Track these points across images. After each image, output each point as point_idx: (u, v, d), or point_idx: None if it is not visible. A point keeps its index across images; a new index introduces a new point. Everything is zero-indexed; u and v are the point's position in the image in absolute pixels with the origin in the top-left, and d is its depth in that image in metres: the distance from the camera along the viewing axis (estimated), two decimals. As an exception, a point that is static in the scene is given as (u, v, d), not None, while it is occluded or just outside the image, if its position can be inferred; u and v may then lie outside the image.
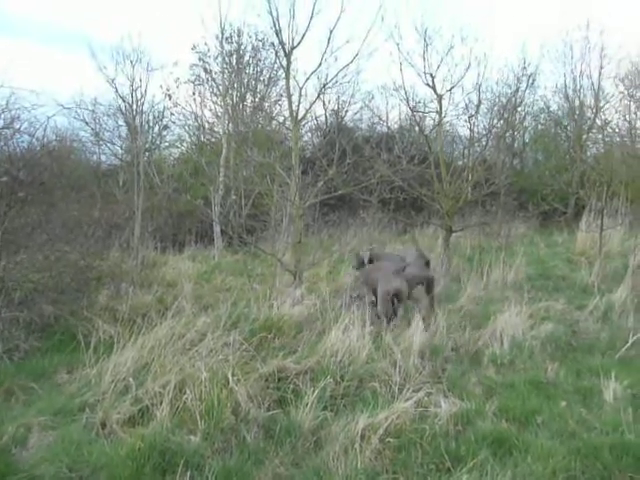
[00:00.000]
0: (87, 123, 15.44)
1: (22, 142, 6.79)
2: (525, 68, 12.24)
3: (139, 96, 13.52)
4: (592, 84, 17.27)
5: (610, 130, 17.12)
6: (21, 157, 6.60)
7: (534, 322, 5.79)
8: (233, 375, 3.82)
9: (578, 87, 17.57)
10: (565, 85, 17.76)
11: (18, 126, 6.53)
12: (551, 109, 18.36)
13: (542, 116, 18.56)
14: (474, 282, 7.88)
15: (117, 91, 13.95)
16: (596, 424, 3.62)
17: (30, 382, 4.39)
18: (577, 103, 17.65)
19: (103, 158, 16.85)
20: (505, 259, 8.64)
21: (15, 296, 5.78)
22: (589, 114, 17.56)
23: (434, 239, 12.71)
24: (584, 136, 17.24)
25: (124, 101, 14.07)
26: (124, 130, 15.87)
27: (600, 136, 17.43)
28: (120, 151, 16.43)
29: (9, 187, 5.92)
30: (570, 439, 3.43)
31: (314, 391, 3.81)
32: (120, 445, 3.20)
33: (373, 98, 16.52)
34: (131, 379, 3.96)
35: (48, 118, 6.88)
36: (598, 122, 17.15)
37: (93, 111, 15.32)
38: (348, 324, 4.84)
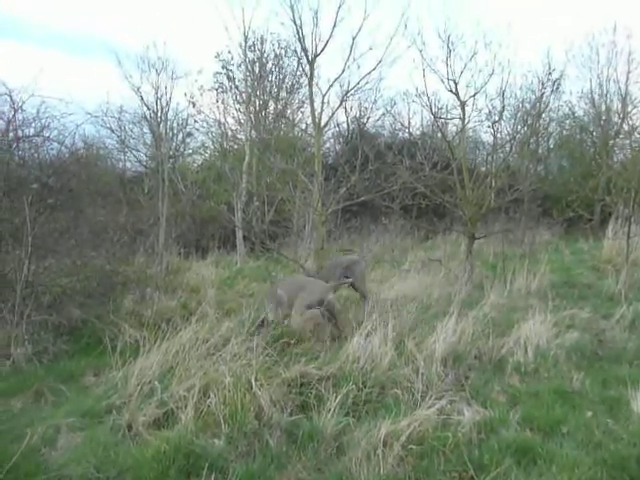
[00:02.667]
0: (113, 131, 15.76)
1: (52, 150, 6.98)
2: (550, 73, 12.12)
3: (164, 104, 13.77)
4: (619, 89, 17.04)
5: (638, 135, 16.78)
6: (51, 164, 6.78)
7: (559, 330, 5.70)
8: (256, 380, 3.85)
9: (604, 92, 17.32)
10: (591, 90, 17.54)
11: (48, 134, 6.70)
12: (576, 115, 18.13)
13: (567, 122, 18.32)
14: (497, 290, 7.81)
15: (142, 99, 14.21)
16: (623, 435, 3.54)
17: (59, 384, 4.49)
18: (603, 108, 17.39)
19: (128, 165, 17.19)
20: (529, 266, 8.54)
21: (44, 300, 5.93)
22: (616, 119, 17.30)
23: (456, 246, 12.64)
24: (611, 142, 16.95)
25: (149, 109, 14.34)
26: (149, 137, 16.17)
27: (627, 142, 17.07)
28: (145, 158, 16.73)
29: (39, 194, 6.08)
30: (596, 449, 3.37)
31: (336, 397, 3.81)
32: (146, 447, 3.25)
33: (395, 104, 16.55)
34: (156, 382, 4.01)
35: (77, 126, 7.05)
36: (625, 127, 16.86)
37: (119, 119, 15.64)
38: (370, 330, 4.84)
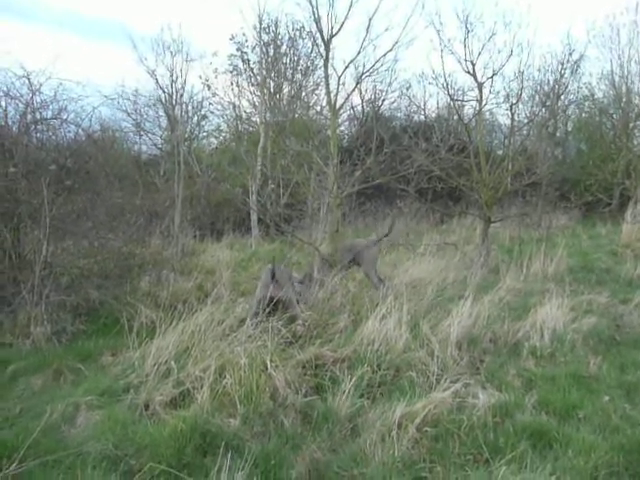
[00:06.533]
0: (129, 114, 15.79)
1: (69, 132, 7.00)
2: (570, 54, 11.87)
3: (179, 87, 13.78)
4: (640, 70, 16.61)
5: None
6: (68, 147, 6.82)
7: (576, 315, 5.65)
8: (271, 361, 3.87)
9: (625, 73, 16.91)
10: (611, 71, 17.14)
11: (65, 116, 6.72)
12: (596, 97, 17.74)
13: (586, 104, 17.95)
14: (513, 274, 7.77)
15: (157, 82, 14.19)
16: (641, 420, 3.52)
17: (77, 363, 4.55)
18: (624, 90, 16.99)
19: (144, 148, 17.25)
20: (546, 251, 8.46)
21: (62, 281, 6.01)
22: (637, 101, 16.90)
23: (472, 230, 12.55)
24: (631, 124, 16.59)
25: (164, 92, 14.32)
26: (164, 120, 16.17)
27: (648, 124, 16.75)
28: (160, 141, 16.77)
29: (57, 176, 6.12)
30: (613, 434, 3.34)
31: (351, 379, 3.82)
32: (163, 426, 3.28)
33: (410, 87, 16.32)
34: (173, 363, 4.05)
35: (94, 109, 7.05)
36: (646, 109, 16.49)
37: (134, 102, 15.65)
38: (385, 313, 4.83)
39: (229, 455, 2.96)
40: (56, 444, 3.17)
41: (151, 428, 3.31)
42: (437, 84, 10.15)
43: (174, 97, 14.03)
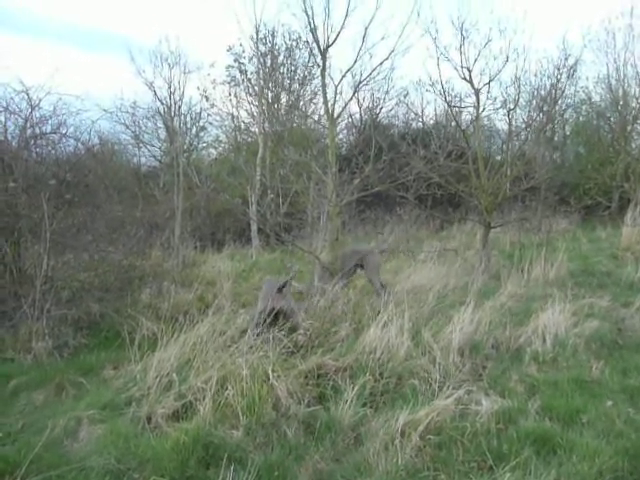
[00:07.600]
0: (127, 126, 15.83)
1: (68, 146, 7.04)
2: (566, 59, 11.91)
3: (177, 98, 13.82)
4: (637, 73, 16.63)
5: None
6: (67, 161, 6.85)
7: (578, 319, 5.63)
8: (273, 371, 3.87)
9: (622, 77, 16.96)
10: (608, 75, 17.18)
11: (65, 131, 6.77)
12: (593, 100, 17.79)
13: (583, 108, 17.99)
14: (514, 279, 7.76)
15: (155, 94, 14.24)
16: (644, 424, 3.51)
17: (79, 377, 4.55)
18: (621, 93, 17.04)
19: (143, 160, 17.29)
20: (546, 255, 8.45)
21: (63, 295, 6.01)
22: (634, 104, 16.94)
23: (472, 236, 12.55)
24: (629, 127, 16.63)
25: (162, 103, 14.37)
26: (163, 132, 16.23)
27: (646, 126, 16.78)
28: (159, 153, 16.81)
29: (56, 190, 6.15)
30: (617, 439, 3.33)
31: (353, 388, 3.82)
32: (165, 439, 3.28)
33: (408, 94, 16.40)
34: (174, 375, 4.03)
35: (93, 122, 7.10)
36: (643, 112, 16.53)
37: (133, 114, 15.71)
38: (387, 321, 4.83)
39: (232, 467, 2.96)
40: (59, 459, 3.16)
41: (154, 441, 3.31)
42: (434, 91, 10.18)
43: (172, 109, 14.07)
